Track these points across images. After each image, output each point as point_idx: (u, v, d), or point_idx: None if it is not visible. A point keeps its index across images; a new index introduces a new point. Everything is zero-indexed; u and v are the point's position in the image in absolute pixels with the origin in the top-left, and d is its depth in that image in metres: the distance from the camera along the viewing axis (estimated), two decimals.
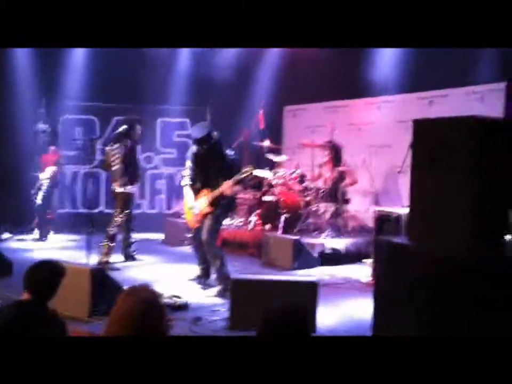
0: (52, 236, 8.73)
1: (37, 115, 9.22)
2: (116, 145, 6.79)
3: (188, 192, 5.78)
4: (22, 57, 9.17)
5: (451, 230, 3.51)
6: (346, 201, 8.19)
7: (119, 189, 6.76)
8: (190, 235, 6.08)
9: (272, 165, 8.82)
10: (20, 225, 8.82)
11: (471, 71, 7.43)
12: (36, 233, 8.58)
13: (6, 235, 8.53)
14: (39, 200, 8.52)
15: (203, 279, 5.90)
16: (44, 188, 8.56)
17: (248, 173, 5.52)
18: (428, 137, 3.70)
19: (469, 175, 3.46)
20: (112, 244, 6.72)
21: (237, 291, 4.46)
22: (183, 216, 7.16)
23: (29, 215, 8.79)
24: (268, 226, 8.11)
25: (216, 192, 5.51)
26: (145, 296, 2.41)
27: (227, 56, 9.68)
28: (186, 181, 5.80)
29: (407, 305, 3.57)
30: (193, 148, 5.75)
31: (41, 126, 8.92)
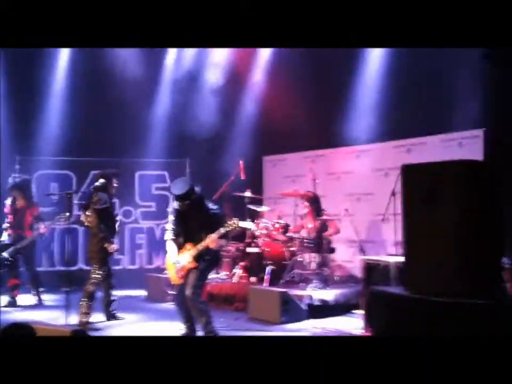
0: (26, 295, 8.26)
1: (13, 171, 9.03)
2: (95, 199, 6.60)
3: (170, 246, 5.60)
4: None
5: (442, 273, 3.46)
6: (332, 251, 8.07)
7: (96, 245, 6.55)
8: (173, 292, 5.85)
9: (254, 216, 8.71)
10: None
11: (448, 119, 7.54)
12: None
13: None
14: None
15: None
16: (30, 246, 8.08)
17: (233, 227, 5.41)
18: (418, 181, 3.67)
19: (462, 216, 3.44)
20: (91, 303, 6.44)
21: None
22: (165, 272, 6.94)
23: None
24: (253, 279, 7.92)
25: (200, 246, 5.37)
26: None
27: (205, 107, 9.70)
28: (169, 235, 5.63)
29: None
30: (175, 204, 5.62)
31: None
